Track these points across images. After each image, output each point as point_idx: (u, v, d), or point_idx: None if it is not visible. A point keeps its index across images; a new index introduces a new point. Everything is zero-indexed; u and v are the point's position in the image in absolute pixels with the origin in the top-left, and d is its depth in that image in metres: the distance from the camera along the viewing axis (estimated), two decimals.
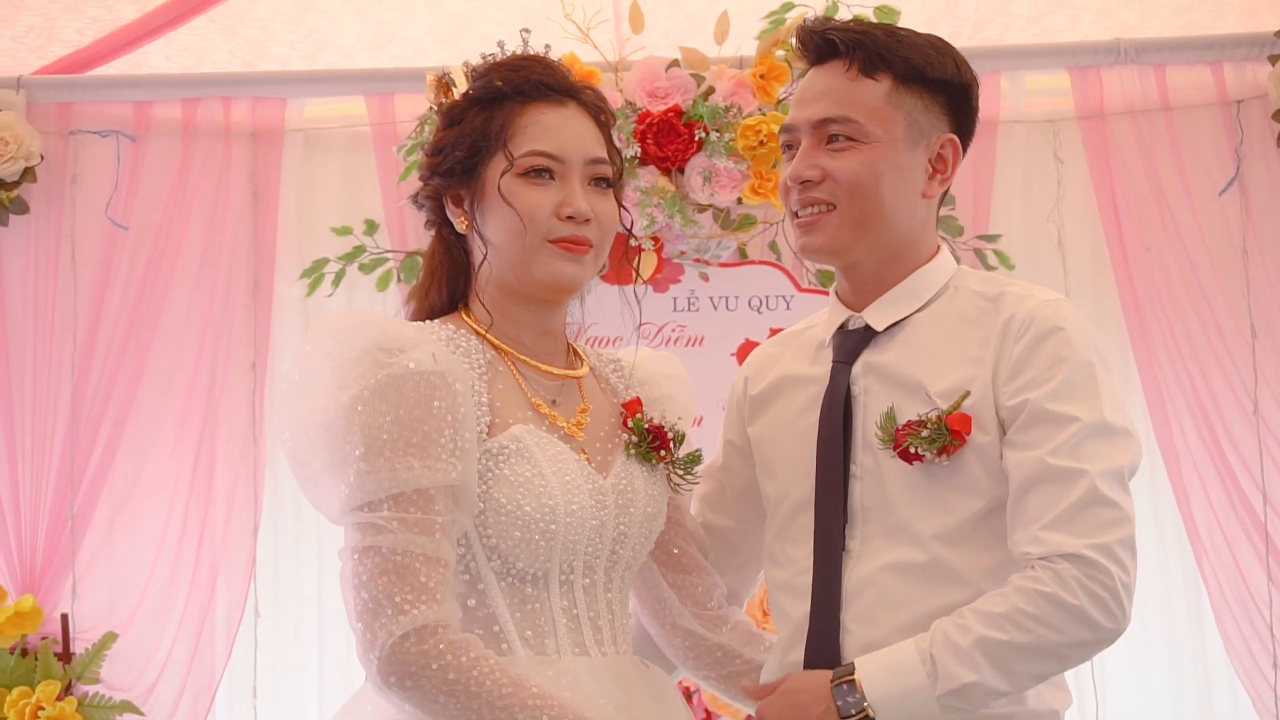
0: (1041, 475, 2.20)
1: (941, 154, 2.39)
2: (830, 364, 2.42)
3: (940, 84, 2.37)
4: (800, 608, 2.36)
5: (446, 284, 2.41)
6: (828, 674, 2.24)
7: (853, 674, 2.20)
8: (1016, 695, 2.23)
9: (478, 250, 2.36)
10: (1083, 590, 2.15)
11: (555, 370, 2.40)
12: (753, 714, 2.56)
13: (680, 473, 2.47)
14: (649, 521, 2.40)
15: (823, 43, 2.37)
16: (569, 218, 2.31)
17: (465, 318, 2.38)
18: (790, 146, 2.42)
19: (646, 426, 2.43)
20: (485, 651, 2.15)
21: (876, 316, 2.40)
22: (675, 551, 2.54)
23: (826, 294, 4.19)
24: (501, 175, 2.31)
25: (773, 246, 4.34)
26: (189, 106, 4.47)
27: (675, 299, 4.34)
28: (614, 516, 2.34)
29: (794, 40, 2.46)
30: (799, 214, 2.39)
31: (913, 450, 2.26)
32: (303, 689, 4.52)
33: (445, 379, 2.21)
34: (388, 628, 2.11)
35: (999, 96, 4.37)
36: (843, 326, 2.43)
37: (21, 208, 4.37)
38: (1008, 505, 2.25)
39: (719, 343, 4.31)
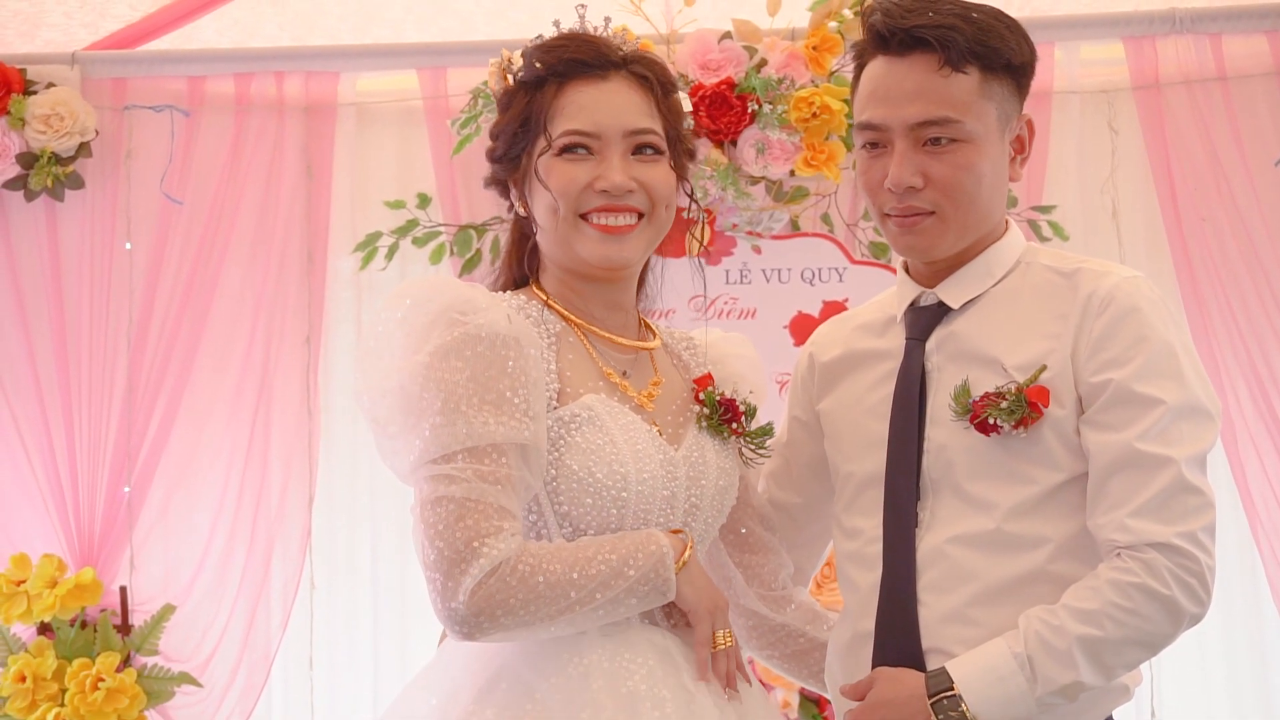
0: (1127, 460, 2.20)
1: (1020, 135, 2.38)
2: (901, 339, 2.41)
3: (1020, 68, 2.34)
4: (869, 577, 2.37)
5: (518, 261, 2.44)
6: (919, 680, 2.23)
7: (951, 686, 2.19)
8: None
9: (535, 231, 2.38)
10: (1174, 579, 2.17)
11: (626, 342, 2.41)
12: (805, 687, 2.55)
13: (752, 446, 2.48)
14: (721, 495, 2.41)
15: (908, 38, 2.30)
16: (603, 191, 2.31)
17: (536, 290, 2.40)
18: (875, 145, 2.35)
19: (719, 399, 2.43)
20: (535, 546, 2.18)
21: (951, 294, 2.39)
22: (743, 531, 2.54)
23: (879, 266, 4.22)
24: (539, 157, 2.32)
25: (825, 219, 4.33)
26: (242, 81, 4.48)
27: (727, 271, 4.32)
28: (685, 488, 2.34)
29: (867, 33, 2.34)
30: (893, 214, 2.35)
31: (991, 421, 2.26)
32: (358, 660, 4.55)
33: (518, 342, 2.22)
34: (470, 573, 2.12)
35: (1053, 67, 4.33)
36: (914, 303, 2.42)
37: (77, 183, 4.39)
38: (1089, 486, 2.25)
39: (771, 315, 4.29)
